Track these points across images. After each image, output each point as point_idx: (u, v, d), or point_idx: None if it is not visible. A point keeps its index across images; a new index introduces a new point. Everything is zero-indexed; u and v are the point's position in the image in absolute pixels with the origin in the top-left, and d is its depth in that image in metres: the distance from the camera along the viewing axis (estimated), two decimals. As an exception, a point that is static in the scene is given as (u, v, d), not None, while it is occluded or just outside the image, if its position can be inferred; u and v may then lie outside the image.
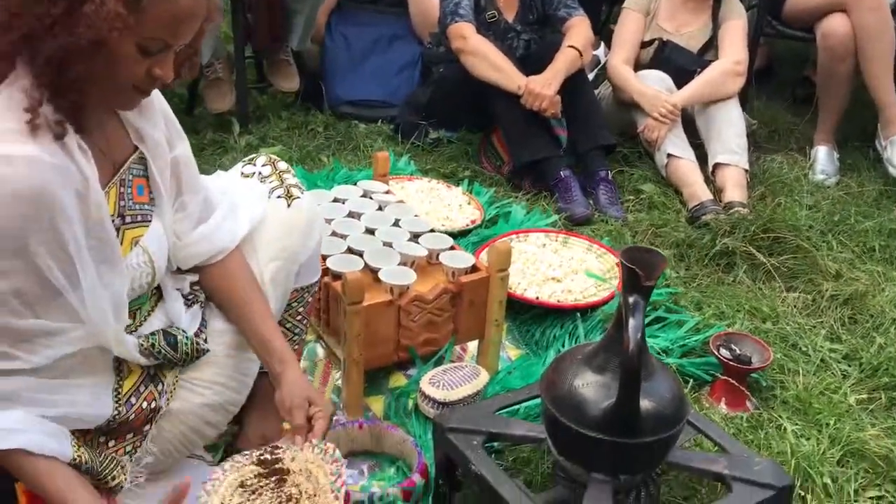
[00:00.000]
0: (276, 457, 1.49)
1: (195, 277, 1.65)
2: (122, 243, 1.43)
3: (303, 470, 1.46)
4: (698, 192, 3.17)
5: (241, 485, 1.44)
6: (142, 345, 1.48)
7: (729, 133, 3.31)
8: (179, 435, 1.59)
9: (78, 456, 1.40)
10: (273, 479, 1.46)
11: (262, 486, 1.44)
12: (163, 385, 1.55)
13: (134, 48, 1.27)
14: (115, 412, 1.47)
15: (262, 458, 1.48)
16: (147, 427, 1.55)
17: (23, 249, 1.25)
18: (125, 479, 1.51)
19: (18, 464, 1.34)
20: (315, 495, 1.42)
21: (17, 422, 1.32)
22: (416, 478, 1.76)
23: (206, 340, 1.60)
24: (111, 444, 1.51)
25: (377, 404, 2.14)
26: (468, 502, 1.77)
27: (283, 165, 1.79)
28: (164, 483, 1.59)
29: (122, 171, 1.43)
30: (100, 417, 1.46)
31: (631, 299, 1.43)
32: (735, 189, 3.17)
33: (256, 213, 1.69)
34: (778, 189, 3.27)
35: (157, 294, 1.57)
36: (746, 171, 3.27)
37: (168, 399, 1.56)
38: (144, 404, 1.52)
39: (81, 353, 1.39)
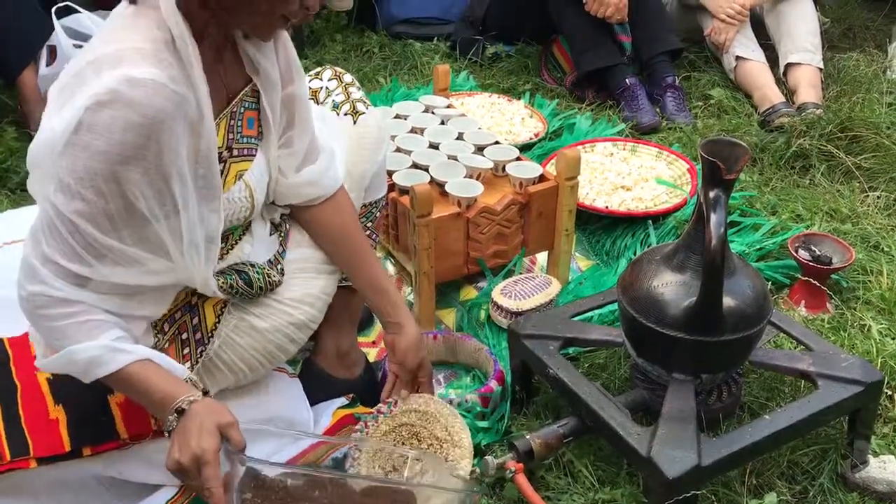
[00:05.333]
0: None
1: (287, 210, 1.64)
2: (227, 176, 1.43)
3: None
4: (769, 94, 3.05)
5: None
6: (221, 286, 1.48)
7: (801, 31, 3.15)
8: (265, 352, 1.60)
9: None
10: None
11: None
12: (199, 319, 1.52)
13: None
14: (155, 339, 1.46)
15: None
16: (189, 365, 1.50)
17: (121, 174, 1.23)
18: None
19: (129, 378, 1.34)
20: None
21: (121, 339, 1.34)
22: (493, 384, 1.77)
23: (281, 270, 1.60)
24: None
25: (449, 317, 2.15)
26: (545, 407, 1.78)
27: (348, 78, 1.77)
28: (252, 394, 1.64)
29: (234, 102, 1.42)
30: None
31: (712, 194, 1.38)
32: (809, 89, 3.04)
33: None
34: (854, 87, 3.11)
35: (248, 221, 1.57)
36: (820, 70, 3.13)
37: (210, 338, 1.53)
38: (175, 333, 1.49)
39: (157, 287, 1.39)
